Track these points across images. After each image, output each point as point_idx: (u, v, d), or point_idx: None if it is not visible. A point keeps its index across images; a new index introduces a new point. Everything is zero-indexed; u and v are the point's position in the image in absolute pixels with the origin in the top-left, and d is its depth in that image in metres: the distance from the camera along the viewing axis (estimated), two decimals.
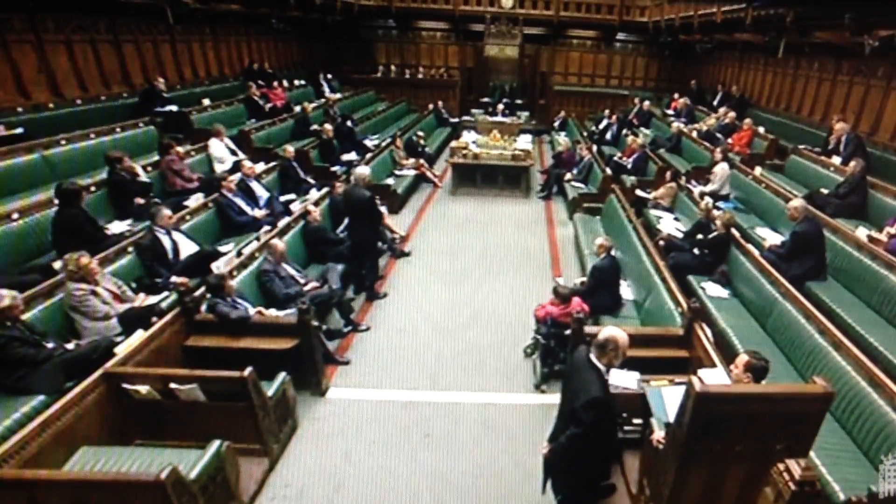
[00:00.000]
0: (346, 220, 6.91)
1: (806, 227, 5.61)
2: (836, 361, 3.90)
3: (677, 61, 16.15)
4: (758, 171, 8.43)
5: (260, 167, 7.81)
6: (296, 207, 7.16)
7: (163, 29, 9.34)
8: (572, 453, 2.89)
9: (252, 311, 4.63)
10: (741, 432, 2.54)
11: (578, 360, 2.91)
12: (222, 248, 5.77)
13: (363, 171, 6.20)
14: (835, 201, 6.73)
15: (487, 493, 3.81)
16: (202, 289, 4.60)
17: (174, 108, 8.57)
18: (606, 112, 14.12)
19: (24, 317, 3.79)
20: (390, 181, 9.66)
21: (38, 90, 7.21)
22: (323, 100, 12.98)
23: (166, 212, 5.32)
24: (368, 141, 11.30)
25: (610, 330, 2.85)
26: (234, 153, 8.11)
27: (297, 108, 11.05)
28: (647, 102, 13.76)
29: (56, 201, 5.04)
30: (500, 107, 14.41)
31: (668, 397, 3.46)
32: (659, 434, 3.19)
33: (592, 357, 2.82)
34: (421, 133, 12.21)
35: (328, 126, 9.98)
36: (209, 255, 5.46)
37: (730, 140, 10.10)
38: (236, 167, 7.46)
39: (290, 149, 8.44)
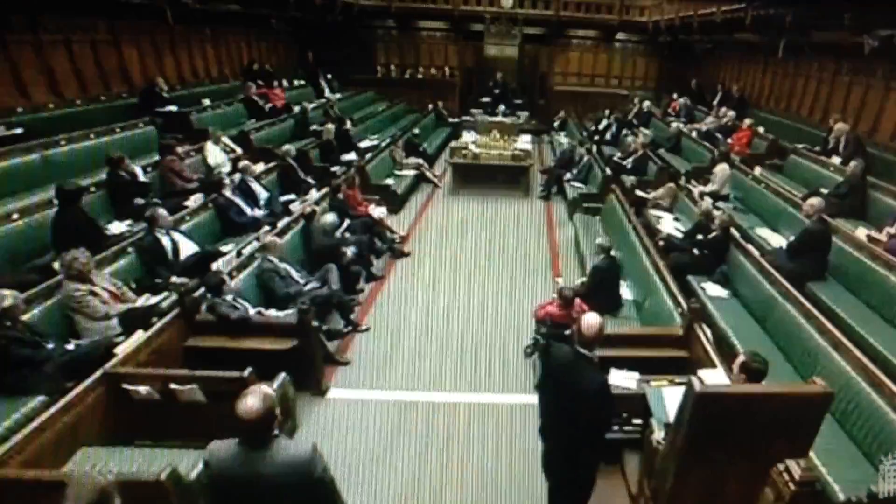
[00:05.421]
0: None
1: (817, 226, 5.62)
2: (835, 361, 3.90)
3: (677, 61, 16.14)
4: (757, 171, 8.44)
5: (259, 167, 7.82)
6: (296, 207, 7.16)
7: (163, 29, 9.33)
8: (596, 451, 2.98)
9: (252, 311, 4.64)
10: (741, 432, 2.55)
11: (563, 359, 2.91)
12: (223, 249, 5.78)
13: (329, 218, 6.43)
14: (834, 201, 6.73)
15: (487, 493, 3.81)
16: (202, 289, 4.61)
17: (174, 108, 8.56)
18: (606, 112, 14.11)
19: (25, 317, 3.80)
20: (390, 181, 9.67)
21: (38, 90, 7.20)
22: (323, 100, 12.98)
23: (163, 212, 5.31)
24: (368, 142, 11.30)
25: (582, 319, 2.86)
26: (232, 152, 8.11)
27: (297, 109, 11.05)
28: (646, 102, 13.76)
29: (56, 201, 5.04)
30: (501, 107, 14.41)
31: (668, 397, 3.47)
32: (659, 434, 3.19)
33: (579, 349, 2.82)
34: (416, 131, 12.22)
35: (330, 126, 9.98)
36: (211, 255, 5.47)
37: (730, 140, 10.11)
38: (235, 167, 7.47)
39: (286, 148, 8.43)
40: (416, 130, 12.24)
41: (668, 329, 4.59)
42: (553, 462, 3.14)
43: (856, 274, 5.37)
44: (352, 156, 10.02)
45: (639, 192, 8.68)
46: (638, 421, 3.86)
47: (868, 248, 5.39)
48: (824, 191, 7.08)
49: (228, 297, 4.56)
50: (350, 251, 6.27)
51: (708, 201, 7.02)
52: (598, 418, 2.88)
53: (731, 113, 11.13)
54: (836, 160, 7.84)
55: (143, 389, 3.55)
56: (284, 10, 11.64)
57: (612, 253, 5.61)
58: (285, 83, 12.46)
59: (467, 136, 11.61)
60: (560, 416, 3.02)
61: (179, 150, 7.06)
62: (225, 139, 8.20)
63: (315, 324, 4.59)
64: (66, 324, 4.17)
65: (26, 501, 2.69)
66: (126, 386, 3.55)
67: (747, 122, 10.40)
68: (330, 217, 6.50)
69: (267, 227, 6.31)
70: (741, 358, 2.99)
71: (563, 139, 13.45)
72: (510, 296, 6.45)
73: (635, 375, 3.93)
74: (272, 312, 4.88)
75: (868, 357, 3.80)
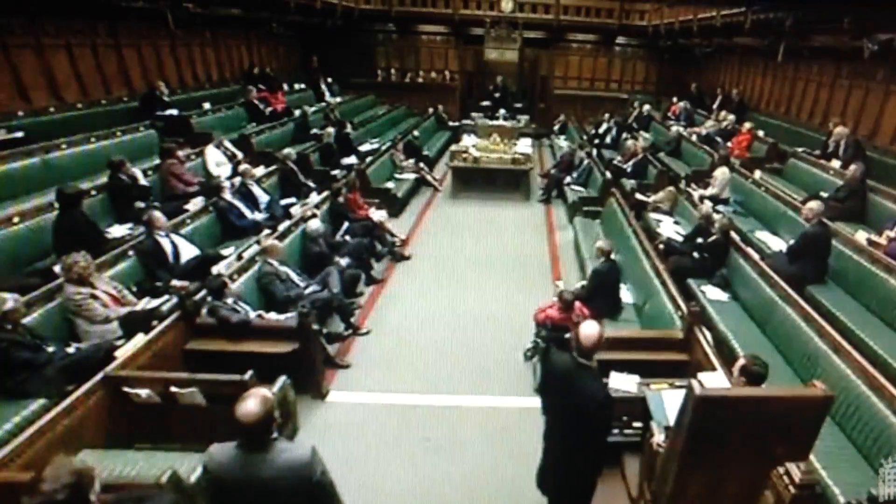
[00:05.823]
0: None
1: (816, 230, 5.63)
2: (835, 365, 3.90)
3: (677, 65, 16.18)
4: (757, 174, 8.45)
5: (260, 171, 7.83)
6: (296, 211, 7.17)
7: (164, 33, 9.35)
8: (599, 456, 2.99)
9: (252, 314, 4.64)
10: (741, 436, 2.54)
11: (563, 368, 2.89)
12: (223, 252, 5.79)
13: (312, 225, 6.37)
14: (834, 205, 6.73)
15: (488, 496, 3.81)
16: (203, 292, 4.61)
17: (174, 112, 8.57)
18: (606, 116, 14.13)
19: (25, 320, 3.80)
20: (390, 185, 9.68)
21: (39, 94, 7.21)
22: (323, 104, 13.01)
23: (158, 214, 5.31)
24: (368, 145, 11.32)
25: (580, 329, 2.84)
26: (233, 156, 8.13)
27: (297, 112, 11.07)
28: (646, 106, 13.78)
29: (56, 205, 5.05)
30: (501, 111, 14.42)
31: (668, 401, 3.46)
32: (659, 437, 3.19)
33: (578, 358, 2.81)
34: (416, 133, 12.26)
35: (330, 129, 10.00)
36: (211, 258, 5.48)
37: (729, 144, 10.12)
38: (236, 171, 7.48)
39: (287, 152, 8.45)
40: (415, 133, 12.26)
41: (668, 332, 4.59)
42: (552, 468, 3.13)
43: (856, 277, 5.38)
44: (352, 159, 10.04)
45: (639, 196, 8.68)
46: (638, 424, 3.86)
47: (868, 252, 5.39)
48: (824, 194, 7.08)
49: (229, 301, 4.56)
50: (343, 262, 6.26)
51: (708, 205, 7.02)
52: (598, 425, 2.87)
53: (731, 116, 11.15)
54: (835, 164, 7.84)
55: (144, 392, 3.55)
56: (285, 14, 11.67)
57: (613, 256, 5.61)
58: (285, 87, 12.48)
59: (467, 140, 11.63)
60: (560, 423, 3.03)
61: (180, 153, 7.06)
62: (226, 143, 8.22)
63: (315, 327, 4.59)
64: (66, 327, 4.17)
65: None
66: (126, 389, 3.55)
67: (747, 125, 10.42)
68: (313, 224, 6.40)
69: (267, 231, 6.32)
70: (741, 361, 2.99)
71: (563, 143, 13.50)
72: (510, 299, 6.45)
73: (635, 379, 3.93)
74: (273, 316, 4.88)
75: (868, 360, 3.79)
